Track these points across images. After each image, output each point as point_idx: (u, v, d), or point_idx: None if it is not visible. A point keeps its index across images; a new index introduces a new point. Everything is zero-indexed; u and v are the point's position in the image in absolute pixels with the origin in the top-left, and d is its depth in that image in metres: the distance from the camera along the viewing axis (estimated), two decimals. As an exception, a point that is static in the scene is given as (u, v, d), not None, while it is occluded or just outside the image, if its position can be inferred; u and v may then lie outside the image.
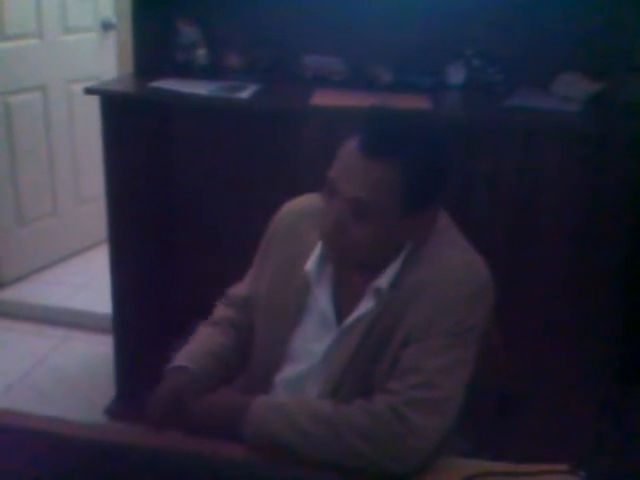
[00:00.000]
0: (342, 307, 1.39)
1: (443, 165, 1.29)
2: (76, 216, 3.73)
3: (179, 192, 2.45)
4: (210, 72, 2.56)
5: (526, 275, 2.29)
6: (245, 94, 2.33)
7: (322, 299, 1.40)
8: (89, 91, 2.36)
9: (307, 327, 1.42)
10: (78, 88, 2.62)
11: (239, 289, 1.60)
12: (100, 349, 2.92)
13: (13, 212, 3.46)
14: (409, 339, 1.27)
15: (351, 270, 1.39)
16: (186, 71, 2.55)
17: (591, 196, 2.19)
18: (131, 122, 2.39)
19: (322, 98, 2.33)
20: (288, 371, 1.44)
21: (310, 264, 1.39)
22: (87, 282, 3.53)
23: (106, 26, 3.65)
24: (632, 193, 2.17)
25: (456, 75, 2.53)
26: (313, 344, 1.40)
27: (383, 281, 1.32)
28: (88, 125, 3.16)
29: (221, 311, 1.57)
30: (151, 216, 2.50)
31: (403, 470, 1.22)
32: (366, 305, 1.34)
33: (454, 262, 1.31)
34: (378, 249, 1.30)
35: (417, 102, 2.28)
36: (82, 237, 3.74)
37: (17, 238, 3.49)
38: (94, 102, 2.38)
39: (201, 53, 2.57)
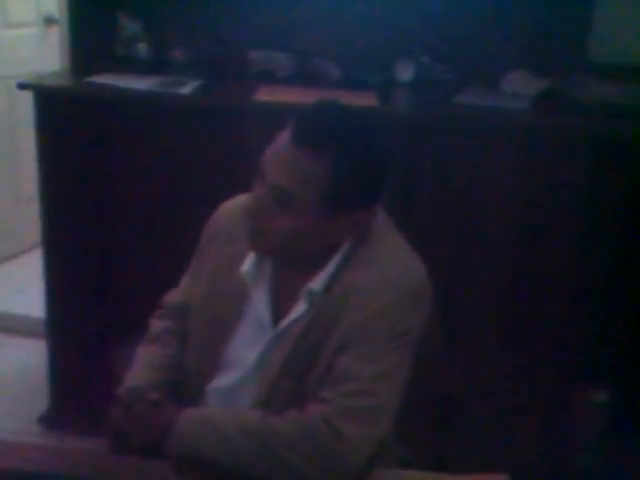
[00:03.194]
0: (279, 311, 1.32)
1: (377, 167, 1.25)
2: (16, 217, 3.59)
3: (118, 193, 2.36)
4: (152, 67, 2.47)
5: (472, 277, 2.26)
6: (186, 89, 2.26)
7: (259, 302, 1.33)
8: (22, 86, 2.26)
9: (242, 333, 1.35)
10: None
11: (174, 296, 1.52)
12: (37, 355, 2.78)
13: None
14: (343, 345, 1.22)
15: (288, 271, 1.32)
16: (126, 66, 2.46)
17: (543, 194, 2.16)
18: (66, 119, 2.30)
19: (267, 94, 2.26)
20: (221, 380, 1.37)
21: (247, 265, 1.32)
22: (24, 285, 3.38)
23: (49, 21, 3.54)
24: (584, 190, 2.15)
25: (405, 72, 2.49)
26: (247, 350, 1.34)
27: (316, 283, 1.26)
28: (30, 123, 3.04)
29: (157, 325, 1.49)
30: (88, 218, 2.41)
31: None
32: (300, 308, 1.28)
33: (388, 264, 1.26)
34: (300, 245, 1.25)
35: (364, 99, 2.23)
36: (22, 238, 3.60)
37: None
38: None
39: (142, 47, 2.48)
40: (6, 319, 3.13)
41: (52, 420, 2.55)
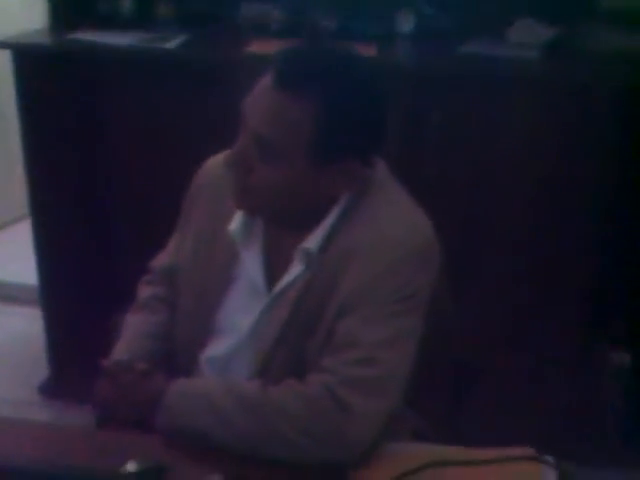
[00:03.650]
0: (273, 273, 1.22)
1: (370, 110, 1.12)
2: (4, 184, 3.47)
3: (103, 152, 2.26)
4: (136, 24, 2.34)
5: (482, 237, 2.15)
6: (171, 44, 2.13)
7: (250, 264, 1.22)
8: (-1, 45, 2.12)
9: (235, 297, 1.25)
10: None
11: (162, 260, 1.42)
12: (35, 323, 2.70)
13: None
14: (344, 309, 1.11)
15: (280, 230, 1.21)
16: (109, 23, 2.33)
17: (553, 145, 2.06)
18: (48, 78, 2.20)
19: (259, 47, 2.13)
20: (214, 348, 1.27)
21: (235, 224, 1.21)
22: (19, 252, 3.29)
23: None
24: (598, 140, 2.04)
25: (405, 23, 2.37)
26: (241, 316, 1.24)
27: (311, 242, 1.15)
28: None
29: (145, 291, 1.39)
30: (75, 180, 2.32)
31: (343, 459, 1.07)
32: (295, 270, 1.17)
33: (391, 220, 1.15)
34: (289, 200, 1.14)
35: (363, 51, 2.09)
36: (13, 206, 3.49)
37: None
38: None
39: (125, 3, 2.35)
40: (3, 287, 3.06)
41: (52, 389, 2.50)
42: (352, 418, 1.06)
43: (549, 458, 1.08)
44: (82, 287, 2.41)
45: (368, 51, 2.12)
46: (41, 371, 2.49)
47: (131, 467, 1.04)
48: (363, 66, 1.15)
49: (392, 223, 1.14)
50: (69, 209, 2.35)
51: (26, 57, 2.16)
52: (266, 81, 1.09)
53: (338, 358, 1.09)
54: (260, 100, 1.09)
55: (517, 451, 1.09)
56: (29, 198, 2.35)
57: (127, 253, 2.30)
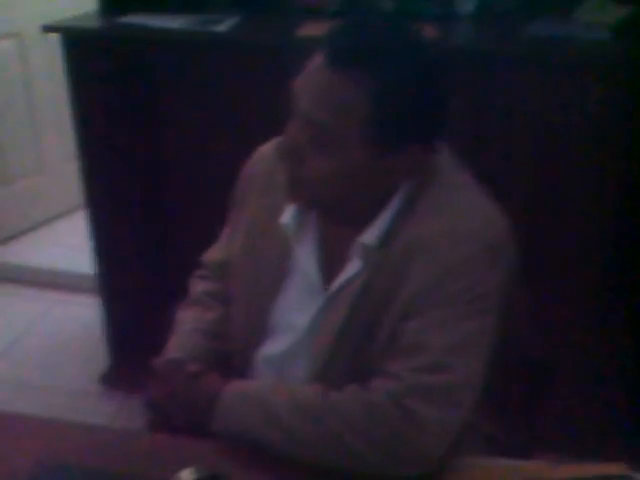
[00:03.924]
0: (330, 269, 1.14)
1: (433, 90, 1.03)
2: (65, 173, 3.49)
3: (159, 140, 2.22)
4: (187, 6, 2.27)
5: (551, 232, 2.03)
6: (222, 27, 2.07)
7: (305, 260, 1.15)
8: (47, 29, 2.09)
9: (290, 294, 1.18)
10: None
11: (214, 254, 1.36)
12: (95, 312, 2.71)
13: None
14: (410, 310, 1.03)
15: (337, 222, 1.14)
16: (158, 5, 2.26)
17: (626, 131, 1.92)
18: (98, 63, 2.14)
19: (311, 30, 2.06)
20: (270, 347, 1.21)
21: (287, 216, 1.14)
22: (82, 242, 3.31)
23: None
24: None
25: (467, 3, 2.25)
26: (297, 314, 1.17)
27: (370, 235, 1.07)
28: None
29: (197, 287, 1.34)
30: (131, 169, 2.28)
31: (411, 473, 1.00)
32: (353, 266, 1.09)
33: (461, 212, 1.06)
34: (346, 192, 1.06)
35: (423, 32, 2.00)
36: (72, 195, 3.51)
37: (1, 197, 3.28)
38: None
39: (177, -15, 2.29)
40: (64, 277, 3.07)
41: (113, 379, 2.49)
42: (420, 428, 0.98)
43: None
44: (140, 276, 2.38)
45: (427, 33, 2.03)
46: (102, 361, 2.49)
47: (185, 475, 0.98)
48: (424, 43, 1.06)
49: (462, 214, 1.05)
50: (124, 197, 2.32)
51: (76, 41, 2.12)
52: (318, 60, 1.00)
53: (404, 364, 1.01)
54: (311, 81, 1.00)
55: (606, 467, 0.99)
56: (83, 186, 2.32)
57: (186, 242, 2.24)
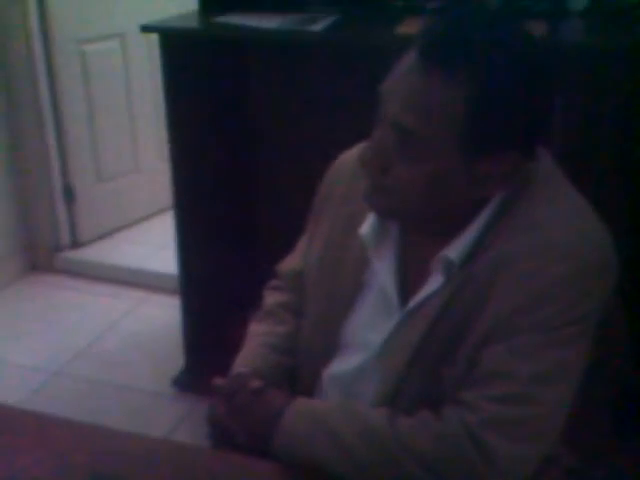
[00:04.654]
0: (409, 285, 1.05)
1: (534, 91, 0.92)
2: (159, 172, 3.52)
3: (253, 142, 2.17)
4: (284, 6, 2.23)
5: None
6: (318, 26, 2.01)
7: (382, 274, 1.07)
8: (146, 29, 2.09)
9: (364, 310, 1.10)
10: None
11: (289, 263, 1.29)
12: (177, 314, 2.72)
13: (92, 168, 3.31)
14: (493, 334, 0.93)
15: (420, 235, 1.04)
16: (256, 5, 2.23)
17: None
18: (195, 64, 2.12)
19: (411, 27, 1.96)
20: (339, 365, 1.13)
21: (367, 227, 1.06)
22: (170, 242, 3.34)
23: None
24: None
25: (578, -1, 2.09)
26: (370, 331, 1.08)
27: (454, 250, 0.97)
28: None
29: (271, 298, 1.28)
30: (222, 171, 2.24)
31: None
32: (434, 282, 1.00)
33: (558, 225, 0.94)
34: (433, 201, 0.96)
35: (532, 29, 1.87)
36: (166, 194, 3.54)
37: (97, 195, 3.34)
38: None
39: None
40: (148, 276, 3.09)
41: (186, 381, 2.46)
42: (493, 464, 0.89)
43: None
44: (222, 281, 2.34)
45: (537, 29, 1.89)
46: (177, 363, 2.48)
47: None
48: (528, 40, 0.95)
49: (559, 228, 0.94)
50: (212, 199, 2.29)
51: (173, 41, 2.11)
52: (408, 60, 0.92)
53: (482, 392, 0.92)
54: (401, 82, 0.92)
55: None
56: (173, 186, 2.32)
57: (271, 250, 2.19)
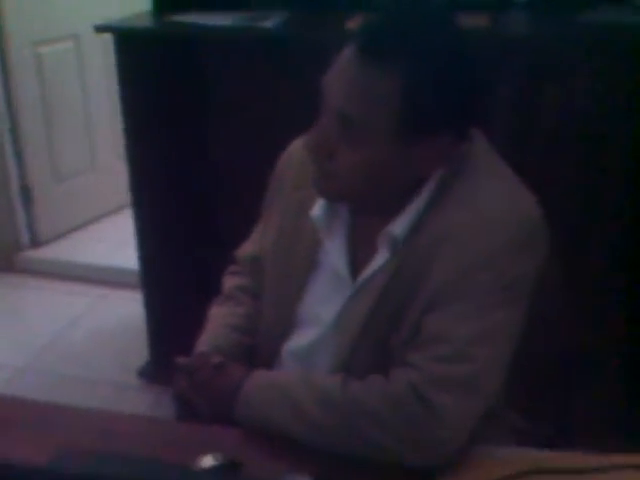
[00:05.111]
0: (358, 262, 1.13)
1: (464, 76, 1.01)
2: (116, 171, 3.55)
3: (208, 138, 2.23)
4: (235, 4, 2.28)
5: (599, 235, 1.97)
6: (270, 22, 2.08)
7: (334, 253, 1.14)
8: (100, 29, 2.13)
9: (318, 287, 1.17)
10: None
11: (247, 249, 1.36)
12: (138, 308, 2.77)
13: (50, 168, 3.33)
14: (434, 302, 1.01)
15: (367, 215, 1.12)
16: (208, 4, 2.27)
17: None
18: (149, 62, 2.18)
19: (359, 23, 2.04)
20: (296, 341, 1.20)
21: (316, 209, 1.13)
22: (128, 238, 3.38)
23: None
24: None
25: (522, -9, 2.19)
26: (324, 307, 1.16)
27: (398, 226, 1.05)
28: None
29: (230, 282, 1.35)
30: (178, 168, 2.30)
31: (428, 462, 0.99)
32: (381, 258, 1.08)
33: (490, 200, 1.03)
34: (376, 184, 1.04)
35: (475, 21, 1.97)
36: (124, 192, 3.57)
37: (54, 195, 3.36)
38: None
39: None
40: (109, 272, 3.13)
41: (151, 373, 2.52)
42: (438, 419, 0.97)
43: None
44: (182, 274, 2.40)
45: (480, 21, 1.99)
46: (142, 355, 2.53)
47: (207, 462, 1.00)
48: (456, 30, 1.04)
49: (492, 203, 1.03)
50: (170, 195, 2.34)
51: (127, 41, 2.16)
52: (348, 53, 1.00)
53: (425, 354, 1.00)
54: (341, 74, 1.00)
55: (631, 458, 0.96)
56: (130, 184, 2.36)
57: (229, 241, 2.26)
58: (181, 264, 2.40)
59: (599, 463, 0.97)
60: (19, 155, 3.19)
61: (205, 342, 1.24)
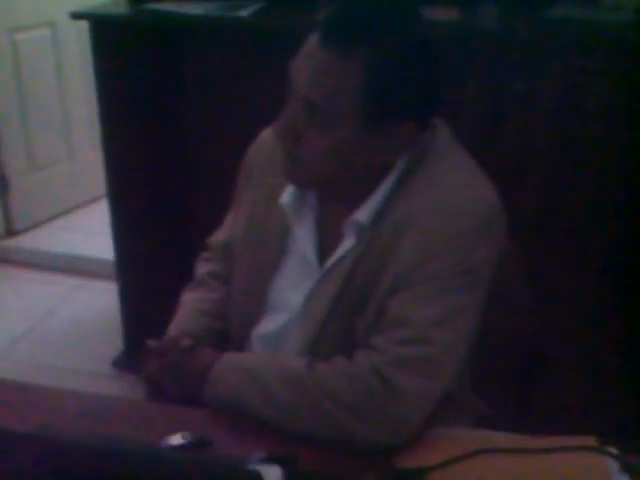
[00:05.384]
0: (326, 248, 1.15)
1: (426, 66, 1.03)
2: (92, 160, 3.55)
3: (183, 128, 2.24)
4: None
5: (561, 220, 2.01)
6: (245, 12, 2.09)
7: (303, 239, 1.16)
8: (76, 16, 2.13)
9: (287, 273, 1.20)
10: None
11: (219, 236, 1.38)
12: (114, 298, 2.77)
13: (25, 157, 3.32)
14: (396, 285, 1.04)
15: (334, 203, 1.15)
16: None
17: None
18: (125, 50, 2.18)
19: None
20: (265, 325, 1.22)
21: (286, 196, 1.15)
22: (104, 229, 3.37)
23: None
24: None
25: (491, -16, 2.22)
26: (292, 292, 1.18)
27: (363, 212, 1.08)
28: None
29: (202, 269, 1.37)
30: (154, 158, 2.30)
31: (388, 441, 1.02)
32: (347, 244, 1.10)
33: (451, 187, 1.06)
34: (339, 168, 1.06)
35: (444, 14, 1.99)
36: (100, 182, 3.56)
37: (30, 184, 3.35)
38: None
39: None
40: (84, 262, 3.13)
41: (126, 362, 2.53)
42: (398, 399, 1.00)
43: (612, 450, 0.98)
44: (157, 265, 2.41)
45: (449, 14, 2.02)
46: (116, 345, 2.54)
47: (175, 440, 1.02)
48: (418, 19, 1.06)
49: (452, 190, 1.05)
50: (146, 185, 2.35)
51: (104, 28, 2.16)
52: (313, 40, 1.02)
53: (387, 337, 1.02)
54: (306, 61, 1.02)
55: (577, 440, 1.00)
56: (106, 174, 2.37)
57: (205, 232, 2.28)
58: (156, 255, 2.40)
59: (550, 444, 0.99)
60: (-5, 144, 3.17)
61: (176, 326, 1.26)
